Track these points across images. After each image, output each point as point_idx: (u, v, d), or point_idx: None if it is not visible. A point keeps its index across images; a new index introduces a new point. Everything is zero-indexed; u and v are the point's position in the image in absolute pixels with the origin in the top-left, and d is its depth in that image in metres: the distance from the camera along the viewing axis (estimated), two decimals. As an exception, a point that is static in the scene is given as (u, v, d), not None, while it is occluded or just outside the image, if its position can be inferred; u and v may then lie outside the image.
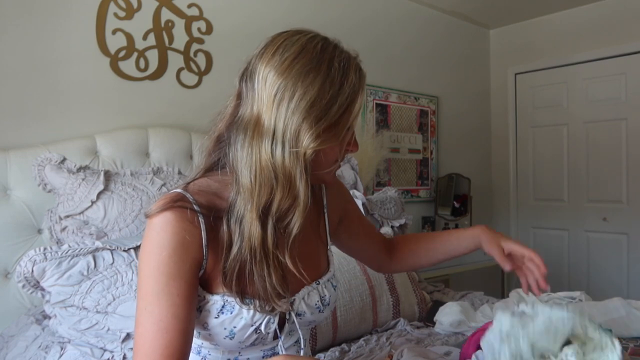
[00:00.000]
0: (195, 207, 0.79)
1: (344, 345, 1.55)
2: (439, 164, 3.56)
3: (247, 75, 0.82)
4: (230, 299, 0.80)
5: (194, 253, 0.78)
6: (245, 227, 0.78)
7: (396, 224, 2.19)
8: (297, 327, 0.88)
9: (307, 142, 0.77)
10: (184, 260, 0.76)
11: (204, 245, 0.79)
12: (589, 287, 3.46)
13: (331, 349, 1.51)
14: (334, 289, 0.96)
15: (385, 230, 2.08)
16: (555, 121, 3.72)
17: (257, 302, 0.81)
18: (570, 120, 3.64)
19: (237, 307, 0.80)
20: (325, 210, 1.02)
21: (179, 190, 0.81)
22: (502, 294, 3.59)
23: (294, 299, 0.87)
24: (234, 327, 0.81)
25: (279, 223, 0.80)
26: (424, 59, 3.46)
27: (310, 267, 0.92)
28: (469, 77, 3.87)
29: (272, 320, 0.83)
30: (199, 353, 0.87)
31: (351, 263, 1.73)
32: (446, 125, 3.64)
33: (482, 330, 1.05)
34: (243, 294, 0.81)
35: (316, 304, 0.91)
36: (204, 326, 0.81)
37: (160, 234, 0.76)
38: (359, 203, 2.03)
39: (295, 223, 0.80)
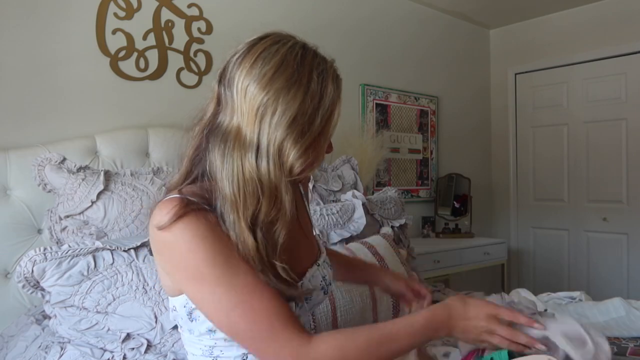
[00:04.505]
0: (206, 207, 0.79)
1: (344, 346, 1.55)
2: (439, 164, 3.56)
3: (224, 80, 0.82)
4: None
5: (225, 237, 0.79)
6: (239, 237, 0.78)
7: (396, 224, 2.18)
8: (306, 308, 0.91)
9: (292, 157, 0.78)
10: (224, 241, 0.78)
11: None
12: (589, 287, 3.46)
13: (331, 349, 1.50)
14: (330, 269, 1.01)
15: (386, 230, 2.08)
16: (555, 121, 3.72)
17: None
18: (570, 120, 3.64)
19: None
20: (304, 198, 1.07)
21: (176, 195, 0.80)
22: (502, 294, 3.59)
23: (302, 282, 0.90)
24: None
25: (267, 233, 0.80)
26: (424, 59, 3.46)
27: (307, 250, 0.97)
28: (469, 77, 3.87)
29: None
30: (210, 355, 0.86)
31: (351, 263, 1.73)
32: (446, 125, 3.64)
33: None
34: None
35: (320, 284, 0.94)
36: None
37: (190, 232, 0.76)
38: (359, 203, 2.03)
39: (281, 232, 0.81)
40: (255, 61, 0.79)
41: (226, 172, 0.78)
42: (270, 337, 0.75)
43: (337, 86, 0.84)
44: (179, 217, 0.76)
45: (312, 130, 0.80)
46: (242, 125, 0.79)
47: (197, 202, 0.79)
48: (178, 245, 0.77)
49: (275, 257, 0.81)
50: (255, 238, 0.78)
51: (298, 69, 0.79)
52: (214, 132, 0.81)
